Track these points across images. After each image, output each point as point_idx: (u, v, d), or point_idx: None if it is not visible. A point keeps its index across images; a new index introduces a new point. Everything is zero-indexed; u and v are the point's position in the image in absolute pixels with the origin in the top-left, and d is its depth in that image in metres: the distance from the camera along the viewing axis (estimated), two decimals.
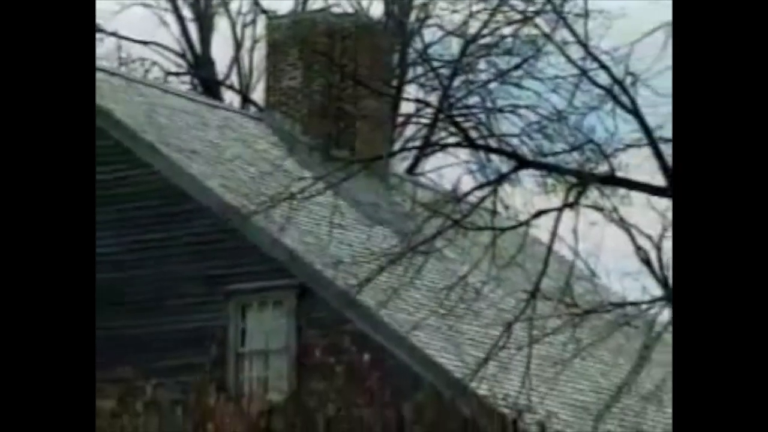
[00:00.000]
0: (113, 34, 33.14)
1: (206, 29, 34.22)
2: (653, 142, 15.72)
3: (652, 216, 36.61)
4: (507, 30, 30.39)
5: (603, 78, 16.06)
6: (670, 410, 19.52)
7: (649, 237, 40.53)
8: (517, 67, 31.39)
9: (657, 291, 30.64)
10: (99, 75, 23.54)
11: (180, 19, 34.00)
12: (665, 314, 22.23)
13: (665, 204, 20.23)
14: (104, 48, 32.58)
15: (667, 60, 15.99)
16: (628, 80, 15.86)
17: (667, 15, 15.29)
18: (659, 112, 16.50)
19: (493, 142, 28.74)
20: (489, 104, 32.22)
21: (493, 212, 16.55)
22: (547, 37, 17.67)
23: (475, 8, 30.48)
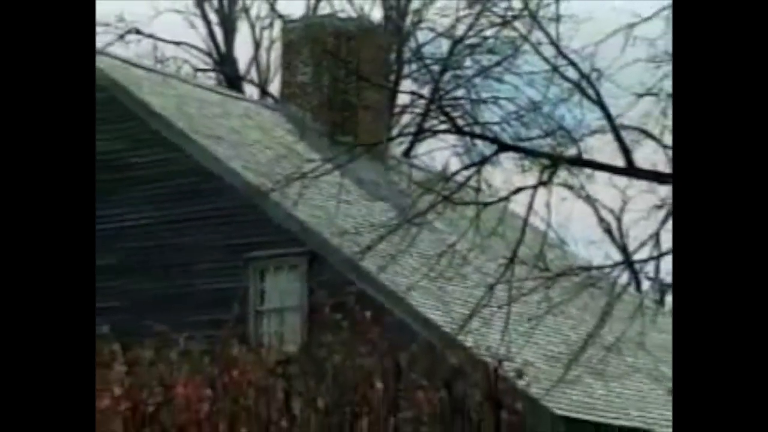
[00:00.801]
0: (150, 36, 33.28)
1: (229, 31, 34.28)
2: (615, 129, 15.69)
3: (614, 192, 36.35)
4: (489, 32, 30.59)
5: (572, 73, 16.02)
6: (629, 358, 19.57)
7: (610, 210, 40.28)
8: (497, 64, 31.55)
9: (617, 256, 30.71)
10: (137, 71, 23.57)
11: (207, 22, 34.11)
12: (624, 276, 22.25)
13: (625, 182, 20.16)
14: (142, 48, 32.76)
15: (627, 57, 16.00)
16: (594, 75, 15.83)
17: (627, 18, 15.30)
18: (620, 102, 16.47)
19: (477, 129, 28.70)
20: (473, 96, 32.39)
21: (477, 189, 16.54)
22: (524, 38, 17.63)
23: (461, 13, 30.75)
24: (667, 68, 15.52)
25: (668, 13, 16.12)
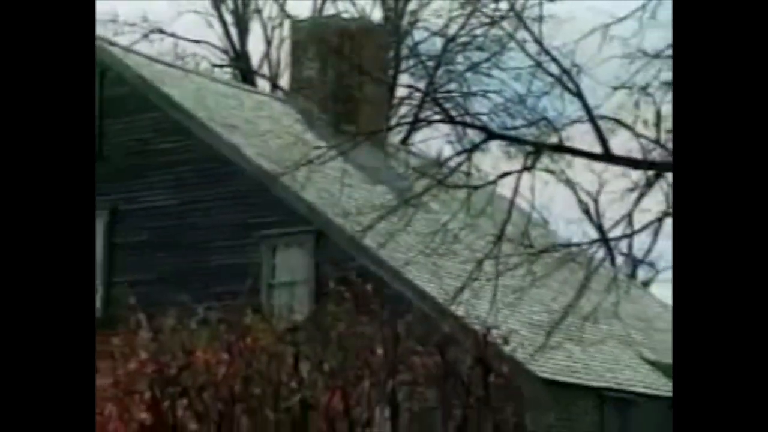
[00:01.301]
0: (172, 35, 33.29)
1: (243, 31, 34.29)
2: (592, 119, 15.70)
3: (591, 177, 36.31)
4: (479, 31, 30.59)
5: (554, 68, 16.01)
6: (604, 326, 19.61)
7: (588, 193, 40.27)
8: (486, 60, 31.56)
9: (594, 234, 30.69)
10: (160, 67, 23.57)
11: (223, 23, 34.10)
12: (600, 252, 22.27)
13: (601, 167, 20.16)
14: (165, 46, 32.72)
15: (603, 54, 16.01)
16: (574, 70, 15.81)
17: (603, 19, 15.30)
18: (597, 95, 16.51)
19: (467, 119, 28.67)
20: (465, 89, 32.40)
21: (468, 174, 16.56)
22: (510, 36, 17.64)
23: (454, 14, 30.80)
24: (640, 63, 15.52)
25: (641, 13, 16.13)
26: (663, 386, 20.94)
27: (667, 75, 15.38)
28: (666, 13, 16.25)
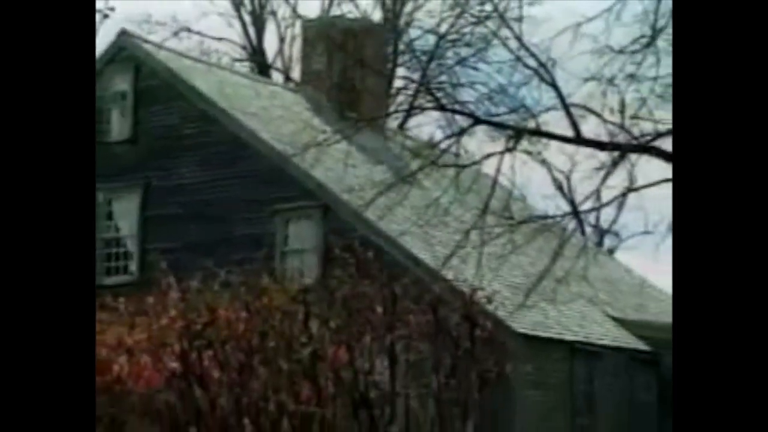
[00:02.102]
0: (198, 33, 33.32)
1: (260, 29, 34.28)
2: (565, 107, 15.69)
3: (564, 157, 36.25)
4: (466, 29, 30.53)
5: (532, 62, 16.00)
6: (574, 288, 19.64)
7: (561, 172, 40.16)
8: (473, 55, 31.51)
9: (566, 208, 30.67)
10: (187, 61, 23.49)
11: (242, 22, 34.10)
12: (572, 224, 22.29)
13: (573, 149, 20.09)
14: (191, 43, 32.70)
15: (575, 50, 16.01)
16: (549, 64, 15.80)
17: (575, 18, 15.29)
18: (570, 85, 16.62)
19: (456, 107, 28.65)
20: (454, 81, 32.33)
21: (457, 155, 16.57)
22: (494, 34, 17.62)
23: (445, 14, 30.78)
24: (607, 58, 15.50)
25: (608, 14, 16.10)
26: (625, 340, 21.00)
27: (631, 68, 15.36)
28: (629, 13, 16.21)
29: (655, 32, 14.97)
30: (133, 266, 21.09)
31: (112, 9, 16.33)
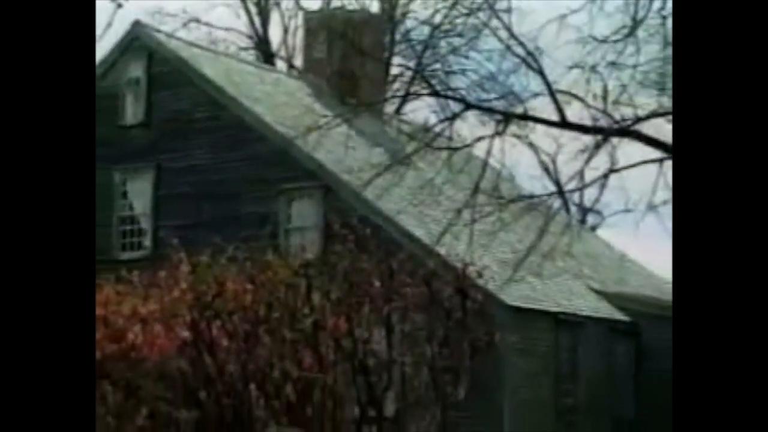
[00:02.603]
0: (206, 23, 33.19)
1: (265, 20, 34.16)
2: (551, 93, 15.67)
3: (550, 140, 36.23)
4: (459, 20, 30.29)
5: (520, 51, 15.97)
6: (559, 263, 19.64)
7: (547, 154, 40.14)
8: (465, 44, 31.38)
9: (552, 188, 30.63)
10: (196, 50, 23.39)
11: (248, 13, 33.95)
12: (557, 203, 22.27)
13: (558, 133, 20.03)
14: (200, 33, 32.56)
15: (560, 40, 15.99)
16: (536, 53, 15.78)
17: (561, 10, 15.26)
18: (555, 73, 16.56)
19: (449, 93, 28.62)
20: (447, 68, 32.21)
21: (449, 138, 16.56)
22: (485, 24, 17.55)
23: (438, 6, 30.59)
24: (590, 47, 15.48)
25: (591, 6, 16.06)
26: (606, 311, 21.03)
27: (613, 56, 15.33)
28: (611, 5, 16.17)
29: (636, 23, 14.94)
30: (147, 242, 21.08)
31: None
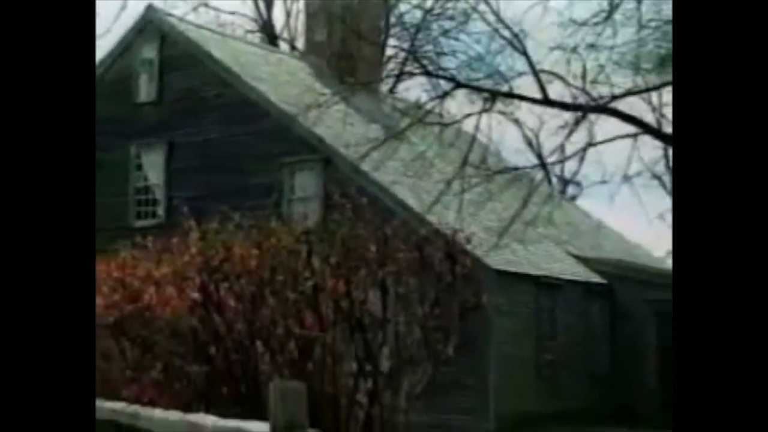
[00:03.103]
0: (214, 8, 33.08)
1: (269, 4, 34.01)
2: (535, 72, 15.64)
3: (533, 117, 36.22)
4: (449, 5, 30.05)
5: (506, 33, 15.91)
6: (541, 230, 19.66)
7: (531, 129, 40.19)
8: (455, 27, 31.20)
9: (535, 160, 30.60)
10: (205, 33, 23.29)
11: None
12: (539, 174, 22.24)
13: (541, 110, 19.96)
14: (209, 16, 32.39)
15: (543, 22, 15.96)
16: (521, 35, 15.73)
17: None
18: (539, 54, 16.49)
19: (440, 72, 28.57)
20: (438, 50, 32.01)
21: (440, 114, 16.50)
22: (474, 9, 17.47)
23: None
24: (571, 30, 15.44)
25: None
26: (583, 274, 21.08)
27: (592, 38, 15.30)
28: None
29: (613, 7, 14.90)
30: (160, 211, 21.10)
31: None
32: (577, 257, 21.68)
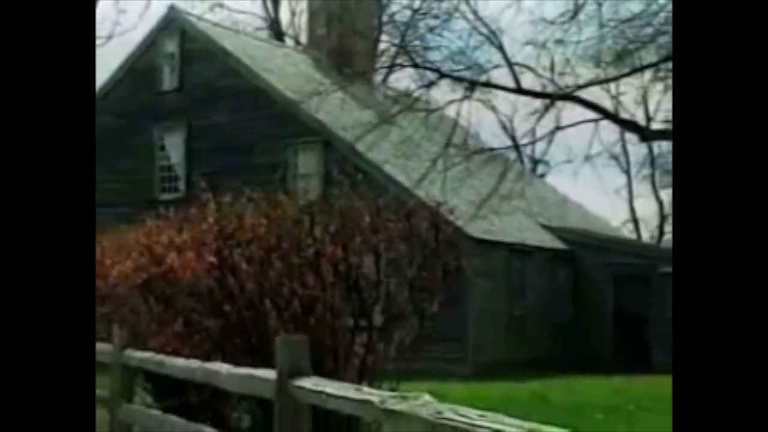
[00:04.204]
0: (228, 8, 32.98)
1: (276, 5, 33.87)
2: (510, 65, 15.57)
3: (508, 104, 36.06)
4: (434, 5, 29.83)
5: (484, 30, 15.84)
6: (514, 203, 19.63)
7: (505, 115, 40.03)
8: (439, 25, 30.98)
9: (509, 142, 30.46)
10: (220, 29, 23.16)
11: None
12: (513, 154, 22.17)
13: (515, 97, 19.81)
14: (223, 15, 32.23)
15: (517, 20, 15.86)
16: (497, 32, 15.63)
17: None
18: (513, 48, 16.35)
19: (427, 64, 28.43)
20: (425, 45, 31.82)
21: (426, 102, 16.43)
22: (456, 9, 17.41)
23: None
24: (541, 27, 15.42)
25: None
26: (550, 242, 21.11)
27: (559, 35, 15.25)
28: None
29: (577, 8, 14.85)
30: (182, 185, 21.07)
31: None
32: (544, 227, 21.71)
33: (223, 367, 4.77)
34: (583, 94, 15.93)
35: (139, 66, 22.13)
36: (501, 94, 17.70)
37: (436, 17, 32.78)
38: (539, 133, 18.86)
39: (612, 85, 22.14)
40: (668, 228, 37.23)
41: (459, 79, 16.19)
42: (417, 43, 34.61)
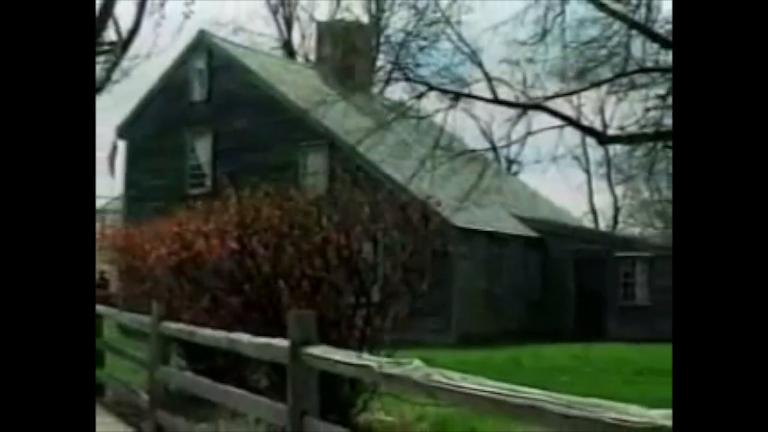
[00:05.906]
0: (249, 30, 32.79)
1: (289, 28, 33.78)
2: (488, 79, 15.53)
3: (487, 113, 35.87)
4: (424, 29, 29.61)
5: (466, 49, 15.78)
6: (493, 196, 19.57)
7: (485, 122, 39.79)
8: (428, 45, 30.85)
9: (488, 145, 30.32)
10: (241, 49, 23.12)
11: (278, 24, 33.59)
12: (491, 155, 22.10)
13: (492, 107, 19.78)
14: (244, 36, 31.92)
15: (494, 41, 15.79)
16: (478, 51, 15.58)
17: (497, 19, 15.00)
18: (491, 65, 16.31)
19: (417, 79, 28.38)
20: (415, 62, 31.63)
21: (417, 110, 16.37)
22: (443, 31, 17.34)
23: (410, 19, 29.94)
24: (515, 47, 15.36)
25: (516, 19, 15.86)
26: (523, 231, 21.09)
27: (529, 54, 15.23)
28: (529, 18, 15.98)
29: (545, 32, 14.85)
30: (208, 182, 21.06)
31: (192, 12, 16.90)
32: (518, 217, 21.69)
33: (244, 337, 4.75)
34: (550, 104, 15.90)
35: (174, 80, 22.21)
36: (480, 104, 17.64)
37: (425, 39, 32.70)
38: (513, 137, 18.80)
39: (574, 97, 22.18)
40: (621, 218, 37.82)
41: (445, 91, 16.13)
42: (409, 60, 34.48)
